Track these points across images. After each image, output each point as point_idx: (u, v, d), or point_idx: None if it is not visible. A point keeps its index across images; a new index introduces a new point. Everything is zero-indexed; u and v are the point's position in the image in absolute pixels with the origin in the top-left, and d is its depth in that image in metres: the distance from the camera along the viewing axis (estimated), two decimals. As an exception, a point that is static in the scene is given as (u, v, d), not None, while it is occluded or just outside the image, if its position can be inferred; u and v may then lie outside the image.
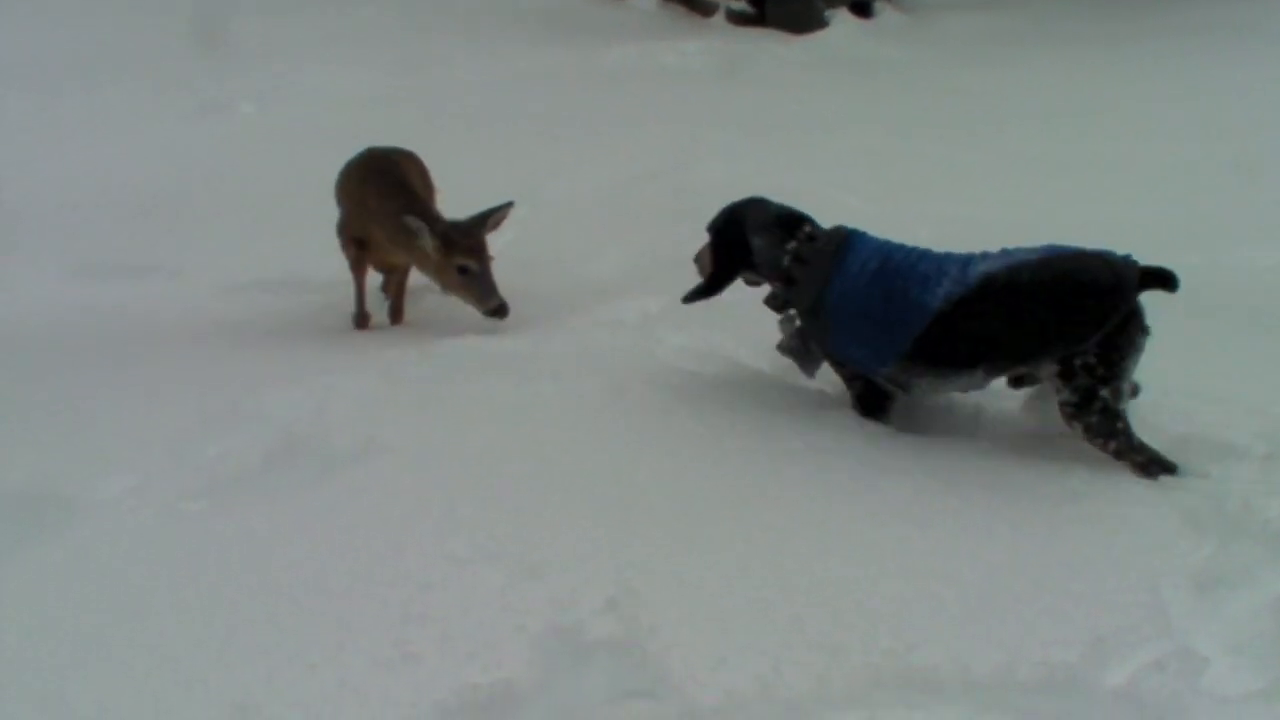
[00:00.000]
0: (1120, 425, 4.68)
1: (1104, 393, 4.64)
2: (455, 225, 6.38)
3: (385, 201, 6.49)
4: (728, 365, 5.73)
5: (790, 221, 5.40)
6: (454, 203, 6.85)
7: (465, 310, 6.72)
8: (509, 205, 6.58)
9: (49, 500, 4.67)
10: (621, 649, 3.69)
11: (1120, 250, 4.83)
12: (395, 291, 7.01)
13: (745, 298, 6.76)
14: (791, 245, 5.28)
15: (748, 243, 5.41)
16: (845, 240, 5.20)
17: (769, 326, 5.86)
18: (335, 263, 6.89)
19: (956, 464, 4.85)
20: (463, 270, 6.33)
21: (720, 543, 4.24)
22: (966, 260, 4.89)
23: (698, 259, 5.72)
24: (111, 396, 5.66)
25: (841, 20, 16.67)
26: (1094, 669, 3.62)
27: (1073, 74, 13.92)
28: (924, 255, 5.03)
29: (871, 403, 5.20)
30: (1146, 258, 7.29)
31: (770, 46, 15.86)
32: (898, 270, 4.94)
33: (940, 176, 9.85)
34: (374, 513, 4.44)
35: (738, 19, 16.94)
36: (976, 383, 4.96)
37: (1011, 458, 4.89)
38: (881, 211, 8.55)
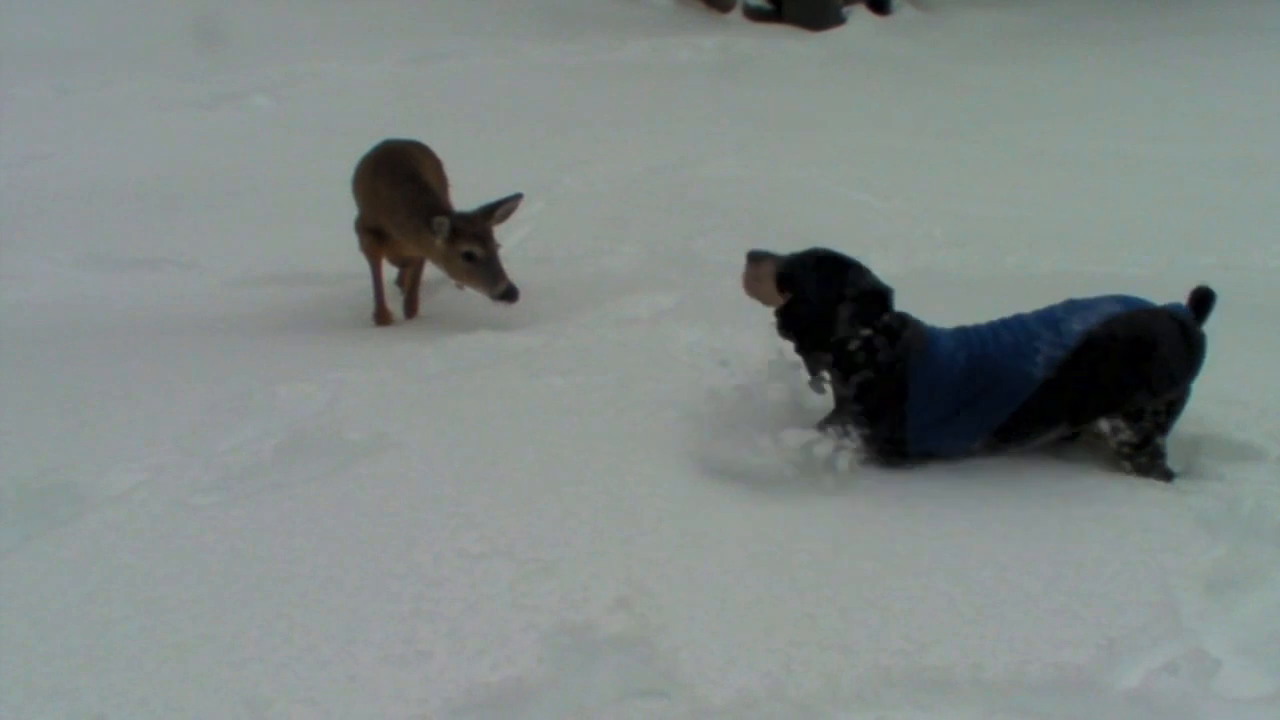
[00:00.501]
0: (1161, 463, 4.77)
1: (1159, 440, 4.75)
2: (461, 215, 6.38)
3: (396, 191, 6.49)
4: (739, 361, 5.70)
5: (876, 300, 4.97)
6: (468, 196, 6.85)
7: (478, 305, 6.72)
8: (518, 197, 6.57)
9: (60, 493, 4.66)
10: (632, 647, 3.69)
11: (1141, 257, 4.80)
12: (410, 285, 7.01)
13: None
14: (866, 333, 4.87)
15: (835, 309, 4.95)
16: (926, 344, 4.85)
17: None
18: (348, 256, 6.88)
19: (969, 464, 4.84)
20: (469, 257, 6.31)
21: (731, 540, 4.23)
22: (1051, 320, 4.76)
23: (752, 289, 5.23)
24: (123, 389, 5.65)
25: (859, 17, 16.66)
26: (1105, 670, 3.61)
27: (1091, 71, 13.91)
28: (1003, 325, 4.89)
29: (896, 459, 4.88)
30: (1161, 258, 7.32)
31: (787, 43, 15.85)
32: (985, 350, 4.76)
33: (956, 174, 9.84)
34: (385, 507, 4.44)
35: (754, 15, 16.93)
36: (1054, 437, 4.86)
37: (1024, 458, 4.87)
38: (897, 209, 8.58)
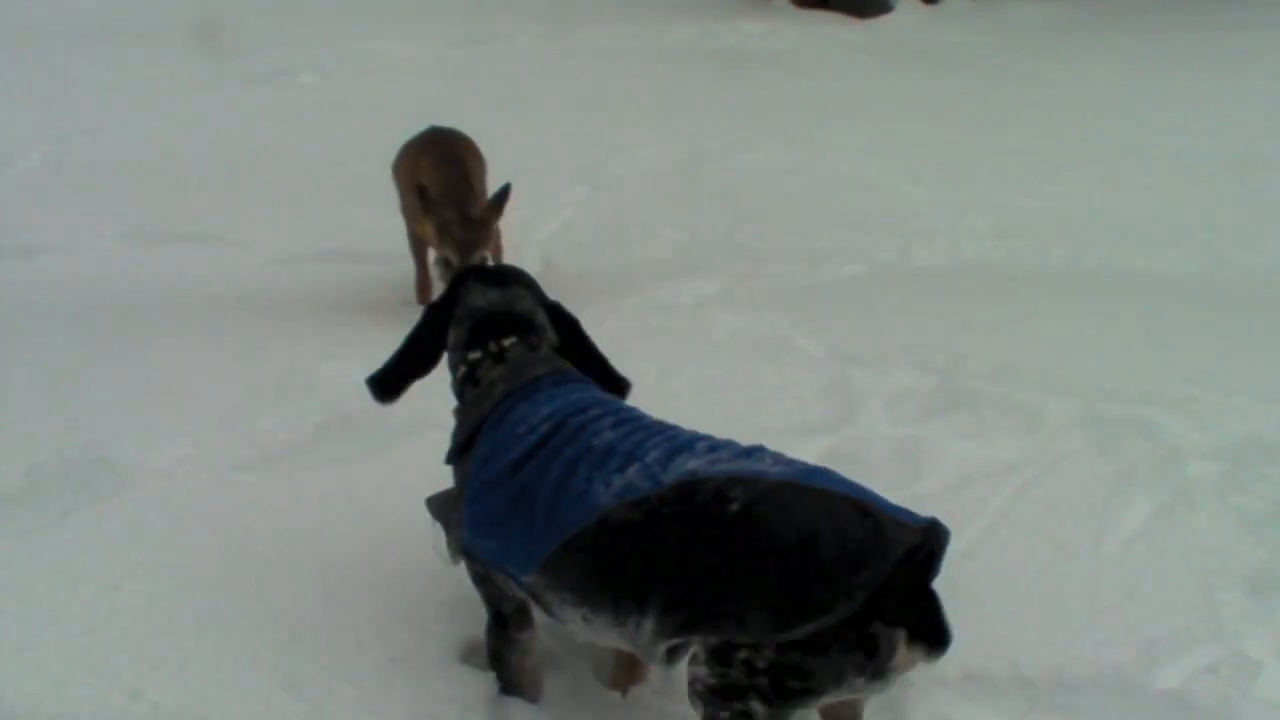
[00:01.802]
0: None
1: (755, 705, 2.87)
2: (460, 219, 6.22)
3: (438, 173, 6.45)
4: (783, 349, 5.70)
5: (494, 323, 3.71)
6: (510, 179, 6.86)
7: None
8: (507, 187, 6.44)
9: (103, 468, 4.69)
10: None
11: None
12: (450, 268, 7.01)
13: (802, 281, 6.76)
14: (475, 355, 3.71)
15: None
16: (524, 385, 3.54)
17: (827, 309, 5.85)
18: (391, 235, 6.89)
19: (1007, 458, 4.82)
20: (445, 262, 6.27)
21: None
22: (682, 444, 3.24)
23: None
24: (166, 365, 5.68)
25: (906, 5, 16.55)
26: (1145, 671, 3.61)
27: (1142, 64, 13.80)
28: (625, 418, 3.42)
29: (501, 629, 3.52)
30: (1210, 256, 7.26)
31: (833, 30, 15.77)
32: (575, 431, 3.33)
33: (1002, 166, 9.77)
34: (427, 489, 4.43)
35: (801, 1, 16.83)
36: (643, 642, 3.06)
37: (1064, 453, 4.86)
38: (941, 200, 8.55)
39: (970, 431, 5.06)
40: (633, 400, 3.73)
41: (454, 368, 3.76)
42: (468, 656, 3.65)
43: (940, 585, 3.91)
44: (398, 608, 3.79)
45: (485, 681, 3.54)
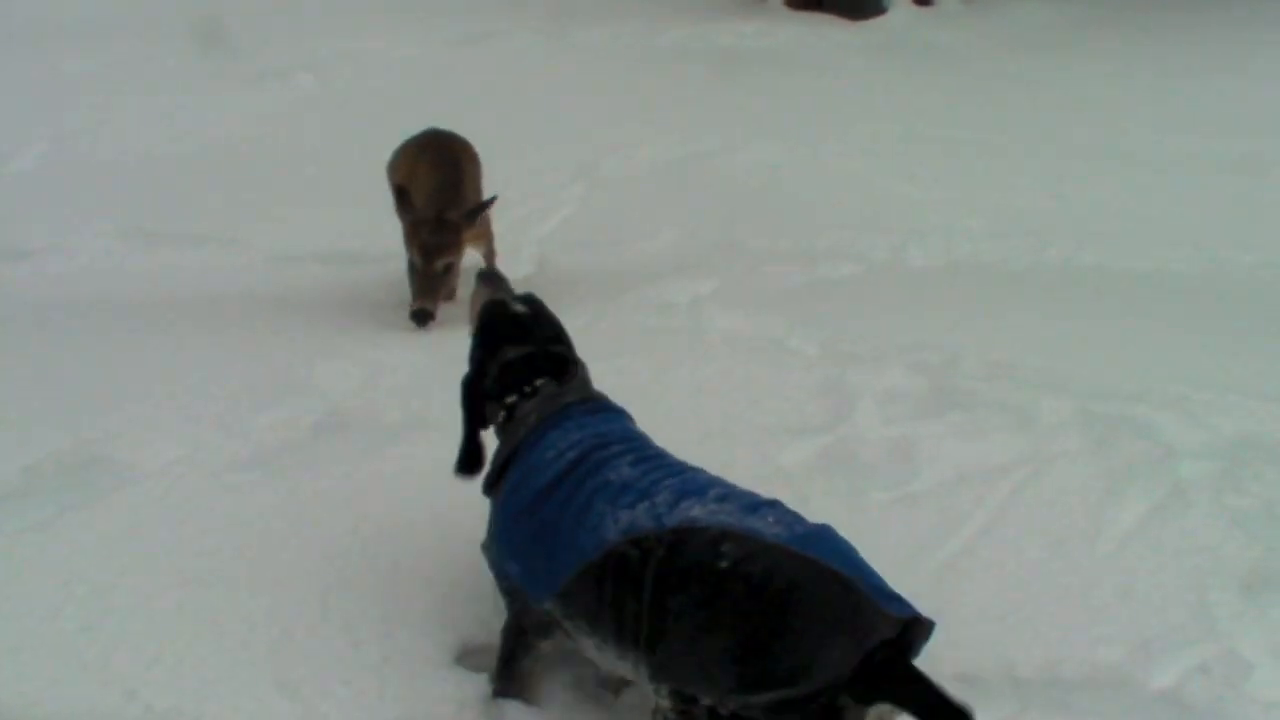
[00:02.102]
0: None
1: None
2: (430, 221, 6.29)
3: (434, 174, 6.47)
4: (778, 348, 5.70)
5: (525, 367, 3.81)
6: (510, 178, 6.88)
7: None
8: (490, 200, 6.47)
9: (98, 467, 4.71)
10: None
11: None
12: (447, 269, 7.01)
13: (798, 280, 6.76)
14: (511, 399, 3.76)
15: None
16: (555, 413, 3.64)
17: (822, 309, 5.86)
18: (388, 236, 6.89)
19: (1001, 458, 4.83)
20: (410, 263, 6.31)
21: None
22: (694, 489, 3.29)
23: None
24: (162, 365, 5.68)
25: (900, 7, 16.54)
26: (1139, 669, 3.61)
27: (1138, 64, 13.79)
28: (645, 456, 3.50)
29: (521, 634, 3.56)
30: (1205, 255, 7.27)
31: (828, 31, 15.75)
32: (597, 466, 3.42)
33: (998, 166, 9.77)
34: (422, 489, 4.45)
35: (796, 2, 16.82)
36: (642, 678, 3.15)
37: (1059, 452, 4.86)
38: (937, 199, 8.55)
39: (965, 431, 5.06)
40: (626, 399, 3.75)
41: (493, 415, 3.82)
42: (462, 657, 3.67)
43: (934, 585, 3.94)
44: (392, 608, 3.80)
45: (479, 682, 3.55)
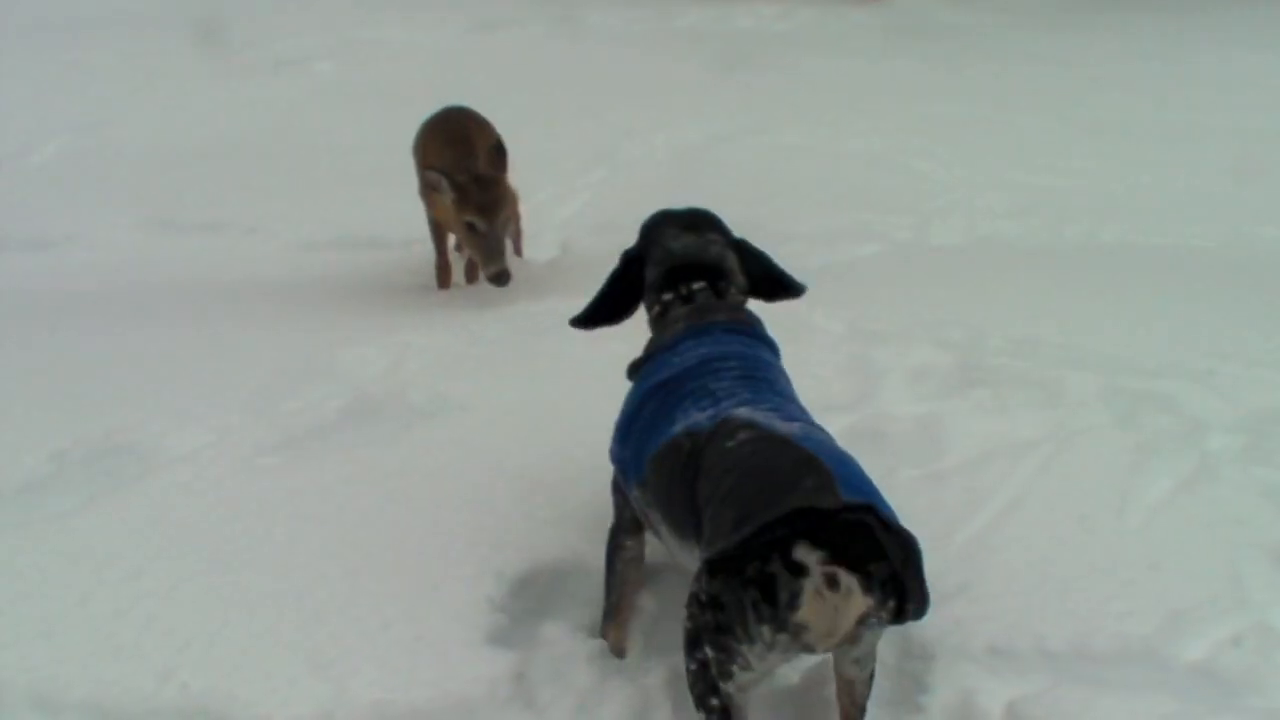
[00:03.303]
0: (715, 705, 2.97)
1: (708, 652, 2.94)
2: (474, 179, 6.27)
3: (446, 151, 6.45)
4: (802, 327, 5.68)
5: (686, 268, 3.92)
6: (528, 162, 6.86)
7: (538, 272, 6.76)
8: (497, 144, 6.42)
9: (126, 453, 4.72)
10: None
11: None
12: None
13: (820, 260, 6.76)
14: (668, 296, 3.90)
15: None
16: (700, 326, 3.77)
17: (846, 288, 5.85)
18: (409, 221, 6.90)
19: (1028, 433, 4.82)
20: (471, 228, 6.24)
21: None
22: (757, 399, 3.45)
23: None
24: (187, 352, 5.71)
25: (919, -13, 16.54)
26: (1170, 642, 3.59)
27: (1153, 40, 13.79)
28: (751, 374, 3.62)
29: (614, 535, 3.82)
30: (1224, 229, 7.25)
31: (846, 12, 15.77)
32: (707, 373, 3.58)
33: (1017, 143, 9.77)
34: (450, 471, 4.46)
35: (813, -17, 16.82)
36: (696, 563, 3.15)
37: (1086, 427, 4.85)
38: (958, 178, 8.54)
39: (991, 407, 5.05)
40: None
41: (649, 306, 3.98)
42: (493, 636, 3.66)
43: (963, 560, 3.93)
44: (422, 588, 3.80)
45: (510, 661, 3.55)
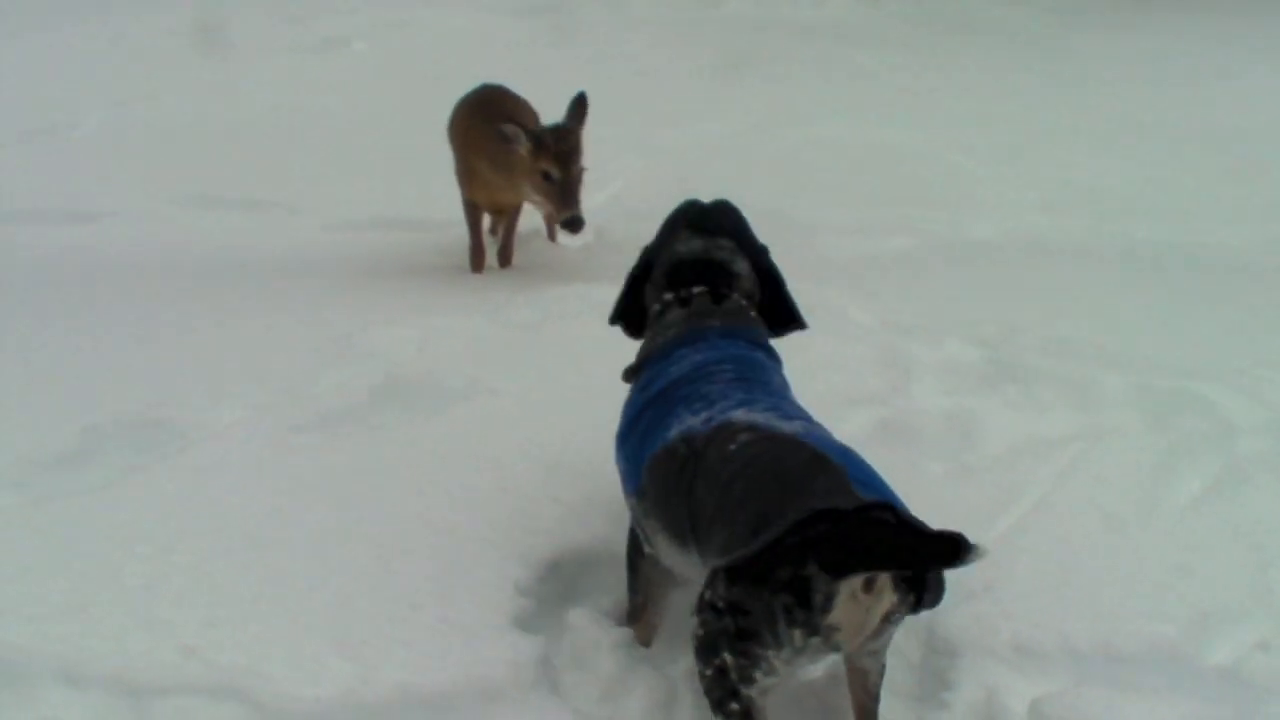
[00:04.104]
0: (735, 710, 2.92)
1: (726, 658, 2.89)
2: (550, 129, 6.30)
3: (490, 128, 6.46)
4: (835, 319, 5.68)
5: (688, 270, 3.87)
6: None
7: (572, 257, 6.78)
8: (580, 95, 6.48)
9: (160, 428, 4.74)
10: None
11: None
12: (504, 235, 7.02)
13: (855, 252, 6.76)
14: (668, 297, 3.86)
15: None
16: (695, 332, 3.73)
17: (878, 280, 5.84)
18: (445, 203, 6.92)
19: (1059, 432, 4.81)
20: (546, 176, 6.24)
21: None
22: (753, 401, 3.41)
23: None
24: (223, 328, 5.73)
25: (963, -19, 16.49)
26: (1196, 645, 3.59)
27: (1196, 39, 13.73)
28: (746, 377, 3.58)
29: (635, 539, 3.72)
30: (1262, 232, 7.20)
31: (888, 4, 15.74)
32: (701, 379, 3.54)
33: (1055, 140, 9.75)
34: (480, 453, 4.47)
35: (855, -25, 16.78)
36: (694, 570, 3.28)
37: (1116, 426, 4.84)
38: (994, 173, 8.52)
39: (1021, 404, 5.05)
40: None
41: (650, 304, 3.95)
42: (519, 621, 3.67)
43: (990, 557, 3.92)
44: (451, 571, 3.81)
45: (537, 646, 3.56)
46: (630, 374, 3.83)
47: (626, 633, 3.74)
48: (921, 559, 2.77)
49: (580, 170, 6.30)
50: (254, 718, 3.31)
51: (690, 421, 3.36)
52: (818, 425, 3.36)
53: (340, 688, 3.37)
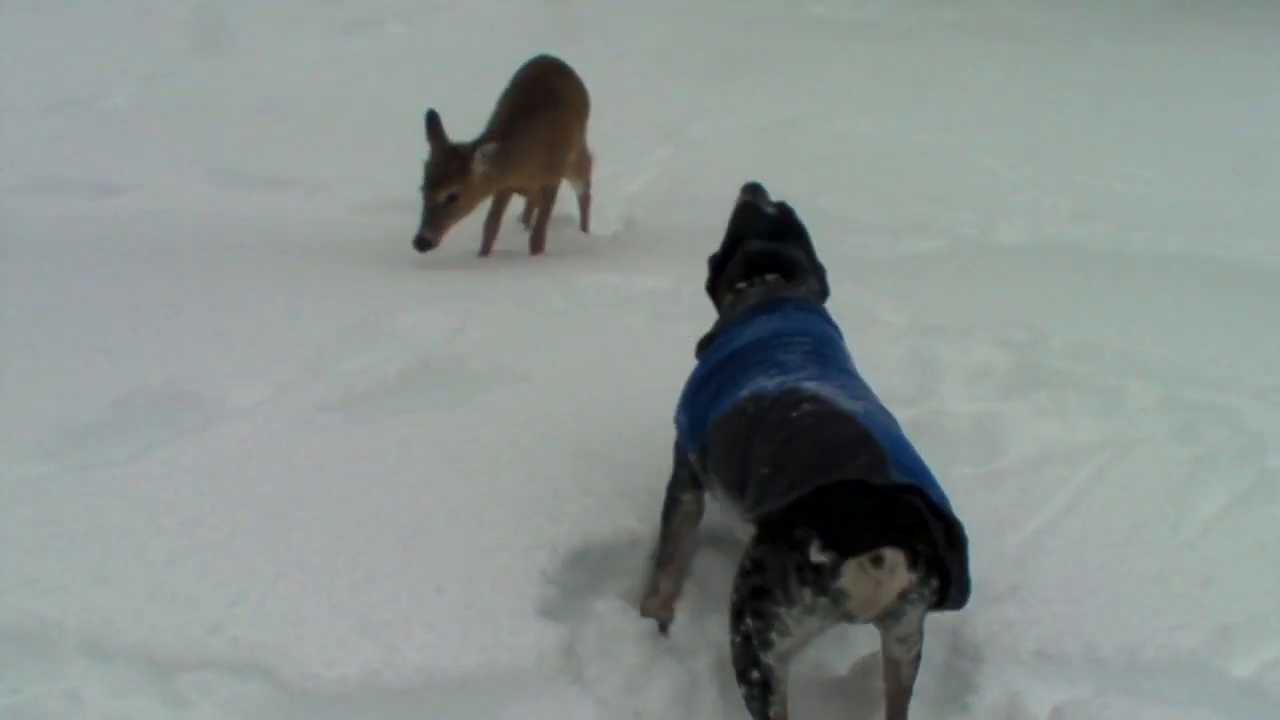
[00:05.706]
0: (755, 679, 3.07)
1: (750, 624, 3.05)
2: (437, 151, 6.57)
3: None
4: (865, 319, 5.67)
5: (762, 260, 4.12)
6: (595, 136, 6.89)
7: (603, 245, 6.79)
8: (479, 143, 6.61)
9: (187, 404, 4.73)
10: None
11: None
12: (536, 222, 7.02)
13: (884, 252, 6.75)
14: (741, 285, 4.08)
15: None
16: (771, 301, 3.93)
17: (908, 281, 5.83)
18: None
19: (1086, 439, 4.80)
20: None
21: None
22: (825, 376, 3.52)
23: None
24: (249, 306, 5.72)
25: (996, -16, 16.46)
26: (1220, 657, 3.58)
27: (1232, 51, 13.71)
28: (819, 350, 3.73)
29: (671, 489, 3.92)
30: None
31: (922, 5, 15.71)
32: (776, 347, 3.69)
33: (1087, 147, 9.74)
34: (507, 440, 4.46)
35: (889, -26, 16.76)
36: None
37: (1144, 436, 4.82)
38: (1025, 178, 8.51)
39: (1050, 410, 5.03)
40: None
41: (722, 298, 4.19)
42: (543, 608, 3.67)
43: (1015, 562, 3.93)
44: (476, 555, 3.81)
45: (560, 633, 3.56)
46: (705, 344, 4.00)
47: (651, 624, 3.74)
48: (901, 538, 2.89)
49: (449, 195, 6.47)
50: (276, 696, 3.34)
51: (763, 383, 3.49)
52: (884, 411, 3.46)
53: (363, 669, 3.38)
